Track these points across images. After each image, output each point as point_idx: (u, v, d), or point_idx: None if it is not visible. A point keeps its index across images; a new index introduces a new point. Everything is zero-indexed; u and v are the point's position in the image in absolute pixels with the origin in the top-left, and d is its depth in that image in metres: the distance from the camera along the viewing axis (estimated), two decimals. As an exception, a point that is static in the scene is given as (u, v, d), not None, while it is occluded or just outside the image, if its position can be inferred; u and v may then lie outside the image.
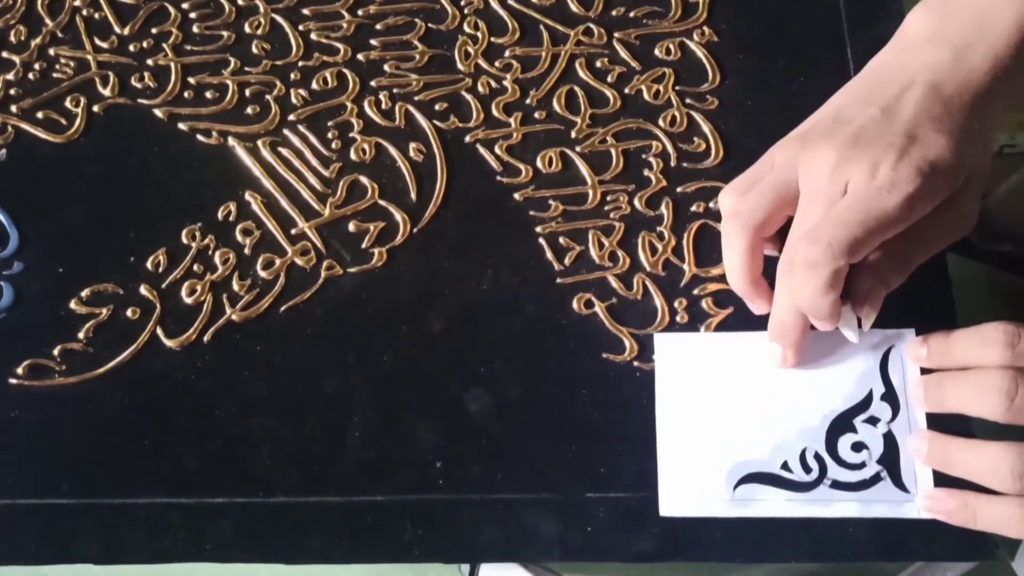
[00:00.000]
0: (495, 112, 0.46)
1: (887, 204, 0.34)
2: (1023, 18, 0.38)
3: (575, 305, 0.42)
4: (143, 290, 0.43)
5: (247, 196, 0.45)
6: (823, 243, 0.34)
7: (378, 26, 0.49)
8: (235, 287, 0.43)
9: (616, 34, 0.48)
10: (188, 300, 0.43)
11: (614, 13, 0.49)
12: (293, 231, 0.44)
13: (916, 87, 0.37)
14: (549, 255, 0.43)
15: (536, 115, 0.46)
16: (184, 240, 0.44)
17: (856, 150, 0.36)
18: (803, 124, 0.40)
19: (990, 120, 0.38)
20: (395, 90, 0.47)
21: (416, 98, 0.47)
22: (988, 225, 0.42)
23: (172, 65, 0.48)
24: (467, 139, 0.46)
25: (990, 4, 0.39)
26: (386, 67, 0.48)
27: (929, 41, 0.39)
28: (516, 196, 0.44)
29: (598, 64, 0.47)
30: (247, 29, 0.49)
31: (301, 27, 0.49)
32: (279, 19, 0.49)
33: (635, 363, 0.41)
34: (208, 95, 0.47)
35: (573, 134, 0.46)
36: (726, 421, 0.39)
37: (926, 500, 0.37)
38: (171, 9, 0.49)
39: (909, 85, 0.38)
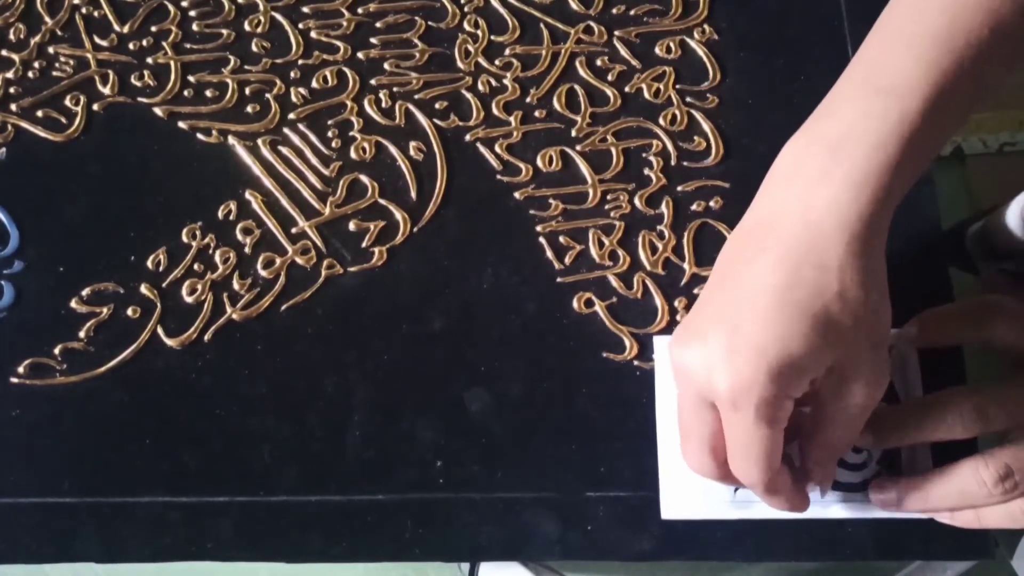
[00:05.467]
0: (495, 111, 0.46)
1: (749, 425, 0.30)
2: (889, 132, 0.31)
3: (575, 304, 0.42)
4: (143, 289, 0.43)
5: (247, 195, 0.45)
6: (747, 482, 0.33)
7: (378, 24, 0.49)
8: (235, 286, 0.43)
9: (616, 32, 0.48)
10: (188, 299, 0.43)
11: (614, 11, 0.49)
12: (293, 230, 0.44)
13: (760, 253, 0.31)
14: (549, 254, 0.43)
15: (536, 114, 0.46)
16: (184, 239, 0.44)
17: (695, 353, 0.31)
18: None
19: (868, 265, 0.30)
20: (395, 88, 0.47)
21: (416, 96, 0.47)
22: (990, 243, 0.41)
23: (172, 63, 0.48)
24: (467, 138, 0.46)
25: (854, 119, 0.32)
26: (386, 65, 0.48)
27: (786, 181, 0.33)
28: (516, 195, 0.44)
29: (598, 62, 0.47)
30: (247, 27, 0.49)
31: (301, 25, 0.49)
32: (279, 17, 0.49)
33: (635, 362, 0.41)
34: (208, 93, 0.47)
35: (573, 133, 0.46)
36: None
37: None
38: (171, 7, 0.49)
39: (754, 251, 0.32)
